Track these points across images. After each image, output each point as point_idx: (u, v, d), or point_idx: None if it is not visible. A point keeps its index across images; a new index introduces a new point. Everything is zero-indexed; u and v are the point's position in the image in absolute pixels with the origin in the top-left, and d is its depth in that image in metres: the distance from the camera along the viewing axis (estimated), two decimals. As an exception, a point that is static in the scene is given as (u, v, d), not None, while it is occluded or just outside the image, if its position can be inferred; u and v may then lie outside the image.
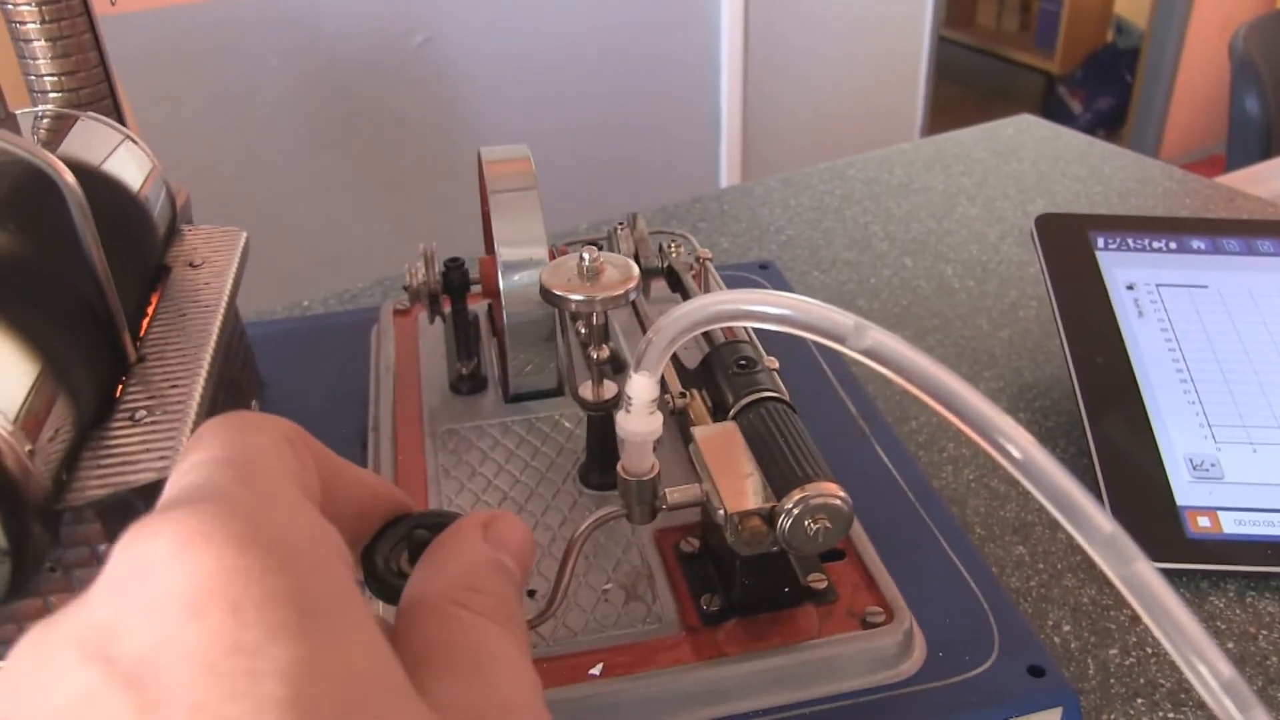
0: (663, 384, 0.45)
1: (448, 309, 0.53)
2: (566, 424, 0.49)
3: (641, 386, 0.34)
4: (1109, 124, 3.15)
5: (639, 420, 0.35)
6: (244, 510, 0.20)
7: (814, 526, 0.35)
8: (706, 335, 0.47)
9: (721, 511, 0.36)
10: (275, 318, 0.65)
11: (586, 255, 0.40)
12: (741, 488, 0.36)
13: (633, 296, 0.40)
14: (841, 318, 0.30)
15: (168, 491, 0.22)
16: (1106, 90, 3.15)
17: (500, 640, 0.24)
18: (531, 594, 0.40)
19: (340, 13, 1.83)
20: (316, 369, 0.58)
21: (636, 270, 0.40)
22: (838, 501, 0.35)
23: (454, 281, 0.52)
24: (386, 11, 1.87)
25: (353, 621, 0.20)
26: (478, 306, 0.56)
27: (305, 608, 0.19)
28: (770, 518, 0.35)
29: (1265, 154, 1.44)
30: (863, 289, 0.70)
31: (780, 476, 0.36)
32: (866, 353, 0.30)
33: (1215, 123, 2.75)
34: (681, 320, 0.32)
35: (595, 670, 0.37)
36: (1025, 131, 0.97)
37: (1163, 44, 2.86)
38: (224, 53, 1.75)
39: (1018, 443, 0.27)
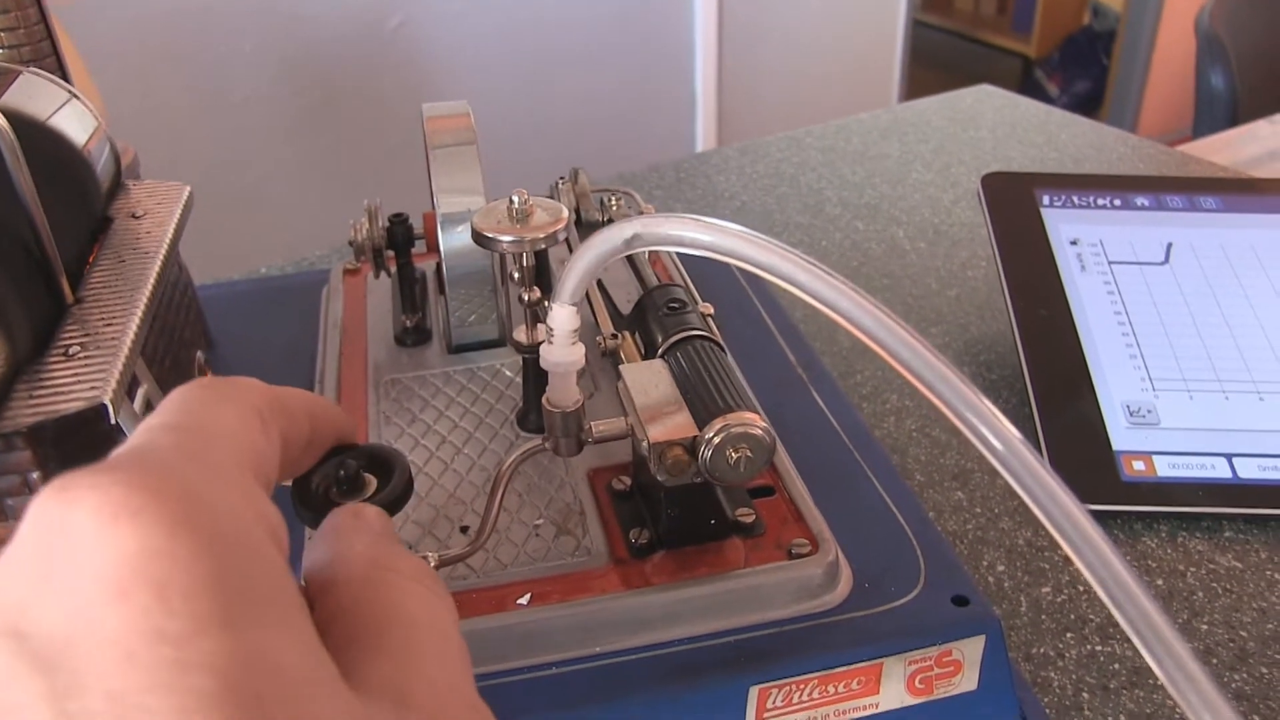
0: (596, 326, 0.46)
1: (394, 267, 0.54)
2: (508, 372, 0.49)
3: (561, 317, 0.35)
4: (1086, 106, 3.16)
5: (561, 350, 0.35)
6: (181, 487, 0.19)
7: (735, 455, 0.36)
8: (640, 279, 0.47)
9: (645, 442, 0.36)
10: (227, 281, 0.65)
11: (516, 198, 0.41)
12: (665, 420, 0.37)
13: (562, 237, 0.40)
14: (756, 243, 0.30)
15: (115, 451, 0.20)
16: (1083, 73, 3.16)
17: (428, 605, 0.24)
18: (464, 530, 0.41)
19: (315, -2, 1.83)
20: (267, 329, 0.59)
21: (565, 211, 0.41)
22: (758, 430, 0.36)
23: (398, 236, 0.52)
24: (362, -5, 1.88)
25: (283, 613, 0.19)
26: (426, 265, 0.57)
27: (235, 599, 0.18)
28: (692, 448, 0.36)
29: (1231, 128, 1.45)
30: (813, 250, 0.71)
31: (703, 407, 0.37)
32: (778, 274, 0.31)
33: (1191, 104, 2.77)
34: (597, 246, 0.32)
35: (523, 600, 0.37)
36: (984, 101, 0.97)
37: (1139, 26, 2.87)
38: (198, 37, 1.75)
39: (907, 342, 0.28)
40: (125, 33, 1.68)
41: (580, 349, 0.36)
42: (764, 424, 0.36)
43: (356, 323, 0.54)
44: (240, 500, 0.20)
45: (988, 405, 0.28)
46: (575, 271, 0.33)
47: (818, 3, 2.38)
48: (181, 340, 0.46)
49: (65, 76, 0.50)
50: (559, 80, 2.11)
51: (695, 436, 0.36)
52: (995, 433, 0.28)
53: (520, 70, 2.07)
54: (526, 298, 0.42)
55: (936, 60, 3.53)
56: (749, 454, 0.36)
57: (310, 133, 1.90)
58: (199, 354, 0.49)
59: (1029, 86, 3.28)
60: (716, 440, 0.36)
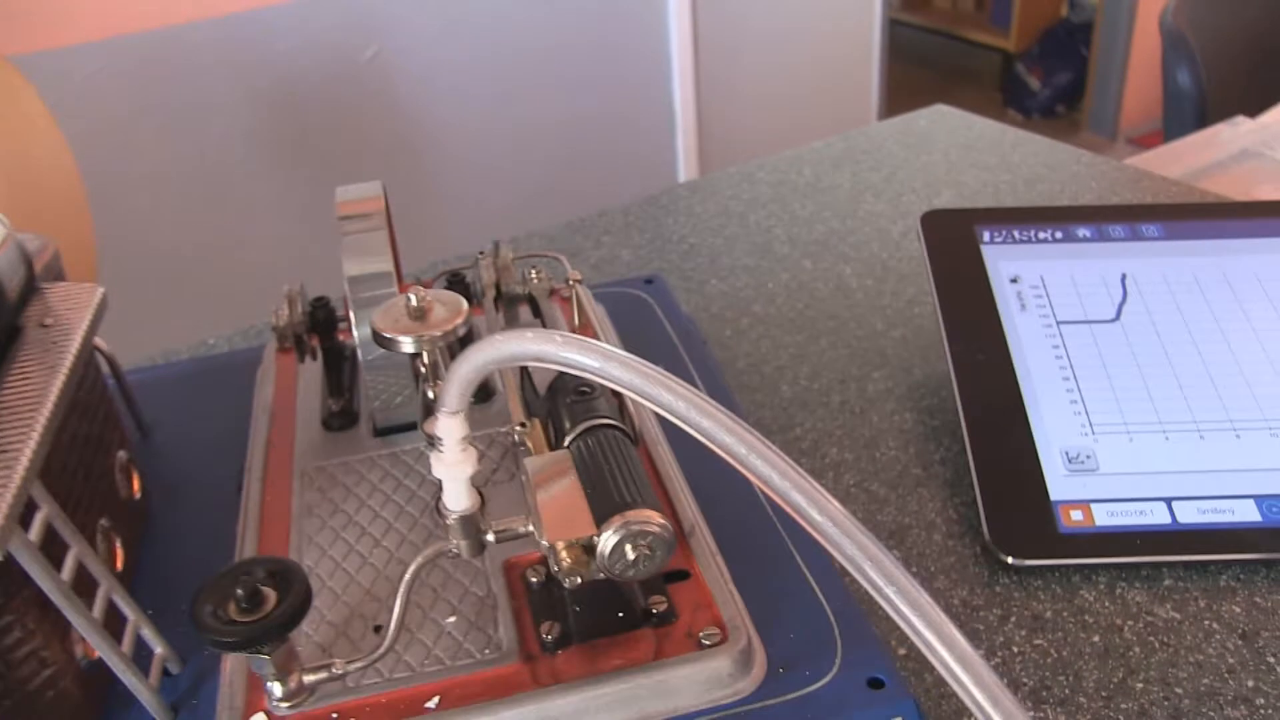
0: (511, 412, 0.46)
1: (319, 348, 0.53)
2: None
3: (448, 427, 0.35)
4: (1068, 98, 3.15)
5: (451, 458, 0.35)
6: None
7: (634, 554, 0.36)
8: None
9: (543, 542, 0.36)
10: (165, 362, 0.65)
11: (413, 296, 0.40)
12: (564, 517, 0.37)
13: (461, 333, 0.40)
14: (629, 368, 0.30)
15: None
16: (1064, 65, 3.16)
17: None
18: (378, 629, 0.40)
19: (289, 33, 1.83)
20: (204, 411, 0.59)
21: (465, 306, 0.41)
22: (657, 528, 0.36)
23: (320, 319, 0.52)
24: (335, 28, 1.88)
25: None
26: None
27: None
28: (590, 546, 0.36)
29: (1200, 125, 1.44)
30: (759, 294, 0.71)
31: (601, 504, 0.36)
32: (645, 396, 0.30)
33: (1173, 92, 2.75)
34: (472, 360, 0.32)
35: (431, 704, 0.37)
36: (938, 122, 0.97)
37: (1115, 17, 2.87)
38: (174, 78, 1.75)
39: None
40: (93, 82, 1.68)
41: (472, 455, 0.35)
42: (662, 521, 0.36)
43: (286, 406, 0.54)
44: None
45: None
46: (456, 380, 0.33)
47: (793, 10, 2.38)
48: (99, 446, 0.46)
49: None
50: (536, 107, 2.11)
51: (593, 534, 0.36)
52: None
53: (496, 97, 2.07)
54: (431, 394, 0.42)
55: (917, 58, 3.53)
56: (647, 550, 0.36)
57: (289, 168, 1.90)
58: (120, 454, 0.49)
59: (1011, 81, 3.28)
60: (614, 539, 0.35)
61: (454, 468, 0.35)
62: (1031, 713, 0.43)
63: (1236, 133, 1.13)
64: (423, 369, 0.43)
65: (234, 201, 1.86)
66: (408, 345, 0.40)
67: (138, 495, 0.50)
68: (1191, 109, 1.43)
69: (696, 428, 0.29)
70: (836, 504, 0.28)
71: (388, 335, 0.40)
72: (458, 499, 0.36)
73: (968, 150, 0.91)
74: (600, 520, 0.36)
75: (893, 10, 2.97)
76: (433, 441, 0.43)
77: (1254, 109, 1.19)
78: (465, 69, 2.02)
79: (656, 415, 0.49)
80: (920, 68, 3.54)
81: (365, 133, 1.97)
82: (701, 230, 0.80)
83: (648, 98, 2.27)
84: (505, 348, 0.31)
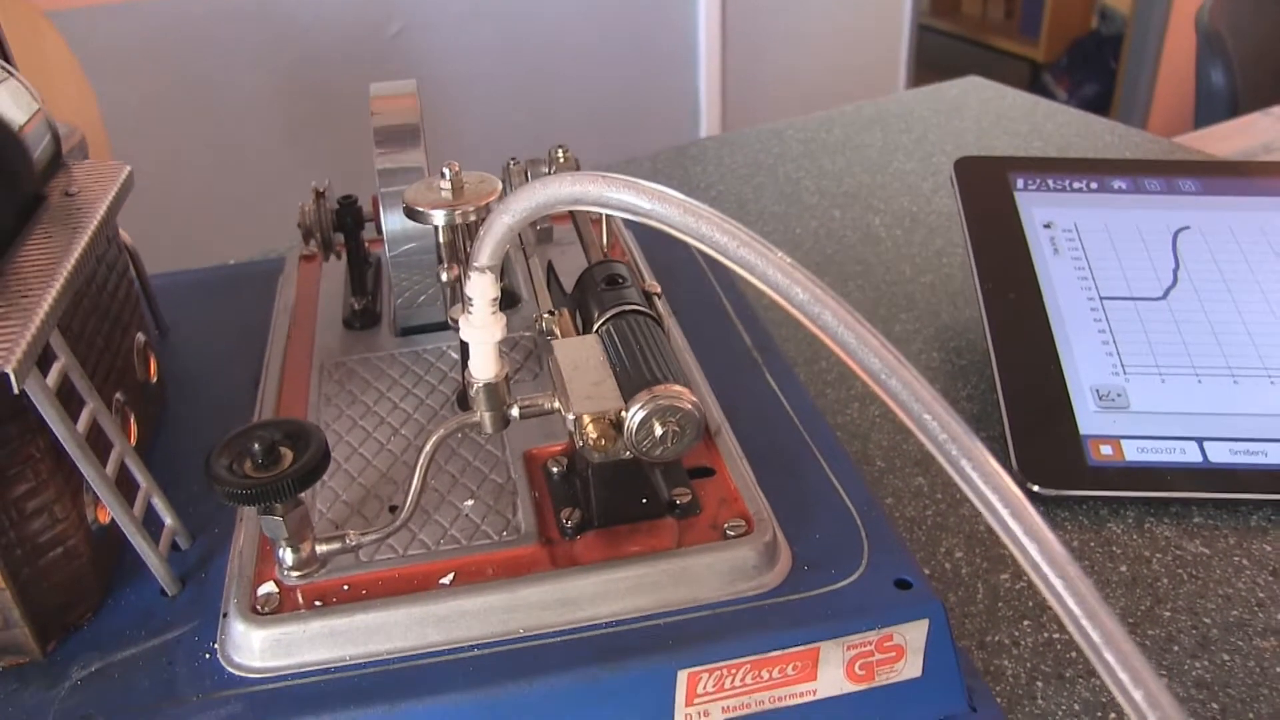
0: (537, 305, 0.45)
1: (343, 250, 0.53)
2: (453, 354, 0.48)
3: (479, 285, 0.34)
4: (1094, 110, 3.13)
5: (480, 321, 0.34)
6: None
7: (662, 430, 0.35)
8: (586, 258, 0.46)
9: (570, 417, 0.35)
10: (187, 270, 0.64)
11: (446, 171, 0.40)
12: (593, 392, 0.36)
13: (495, 208, 0.39)
14: (678, 206, 0.29)
15: None
16: (1091, 77, 3.14)
17: None
18: (393, 509, 0.40)
19: (314, 4, 1.83)
20: (222, 316, 0.58)
21: (499, 185, 0.40)
22: (687, 405, 0.35)
23: (347, 219, 0.52)
24: (360, 2, 1.87)
25: None
26: (381, 250, 0.56)
27: None
28: (618, 422, 0.35)
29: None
30: (786, 239, 0.70)
31: (630, 381, 0.36)
32: (702, 239, 0.29)
33: (1199, 106, 2.74)
34: (510, 208, 0.31)
35: (446, 579, 0.36)
36: (970, 92, 0.96)
37: (1145, 30, 2.85)
38: (197, 45, 1.75)
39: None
40: (125, 42, 1.68)
41: (501, 319, 0.34)
42: (692, 399, 0.35)
43: (307, 307, 0.53)
44: None
45: (914, 374, 0.27)
46: (492, 234, 0.32)
47: (821, 16, 2.37)
48: (118, 322, 0.46)
49: (7, 57, 0.50)
50: (559, 82, 2.11)
51: (621, 410, 0.35)
52: (922, 403, 0.27)
53: (520, 73, 2.06)
54: (454, 274, 0.41)
55: (944, 65, 3.51)
56: (676, 428, 0.35)
57: (309, 139, 1.90)
58: (139, 336, 0.48)
59: (1037, 90, 3.26)
60: (642, 414, 0.35)
61: (482, 330, 0.34)
62: (1063, 635, 0.42)
63: (1271, 122, 1.12)
64: (450, 254, 0.42)
65: (252, 168, 1.86)
66: (439, 218, 0.39)
67: (154, 379, 0.49)
68: (1223, 108, 1.42)
69: (748, 266, 0.28)
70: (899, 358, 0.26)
71: (421, 209, 0.39)
72: (484, 366, 0.35)
73: (999, 119, 0.90)
74: (629, 397, 0.35)
75: (921, 16, 2.96)
76: (456, 324, 0.42)
77: (1286, 108, 1.18)
78: (487, 47, 2.01)
79: (680, 324, 0.48)
80: (946, 75, 3.53)
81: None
82: (729, 179, 0.79)
83: (672, 99, 2.26)
84: (544, 192, 0.30)
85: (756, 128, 0.89)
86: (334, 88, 1.91)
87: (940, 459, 0.25)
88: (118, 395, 0.43)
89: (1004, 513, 0.26)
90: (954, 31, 3.62)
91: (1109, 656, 0.24)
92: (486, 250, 0.33)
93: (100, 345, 0.43)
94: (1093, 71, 3.14)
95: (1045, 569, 0.24)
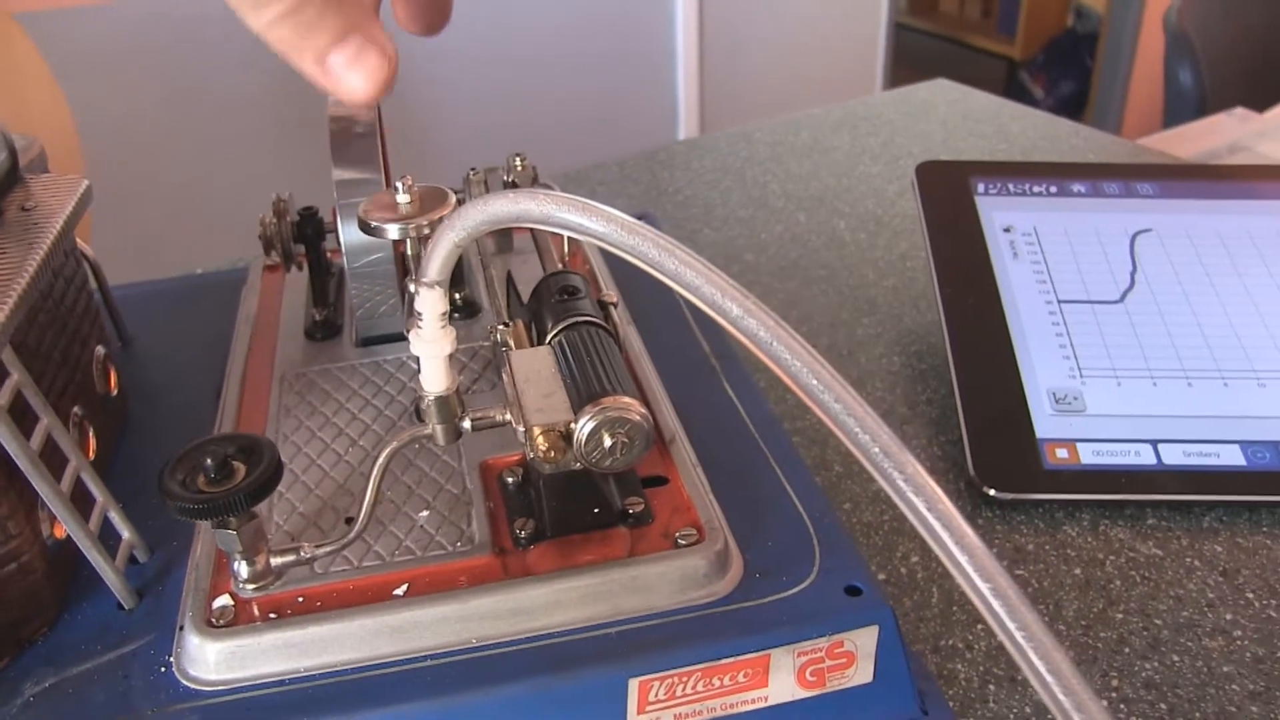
0: (495, 315, 0.45)
1: (305, 261, 0.53)
2: (413, 365, 0.48)
3: (428, 300, 0.34)
4: (1071, 108, 3.16)
5: (430, 335, 0.35)
6: None
7: (611, 441, 0.35)
8: (542, 268, 0.47)
9: (520, 428, 0.36)
10: (150, 281, 0.64)
11: (400, 184, 0.40)
12: (544, 404, 0.36)
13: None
14: (604, 220, 0.30)
15: None
16: (1068, 75, 3.16)
17: None
18: (349, 521, 0.40)
19: None
20: (186, 326, 0.58)
21: (453, 198, 0.40)
22: (635, 416, 0.35)
23: (308, 230, 0.52)
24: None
25: None
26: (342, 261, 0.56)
27: None
28: (568, 433, 0.35)
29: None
30: (752, 243, 0.70)
31: (579, 393, 0.36)
32: (626, 249, 0.30)
33: (1174, 104, 2.76)
34: (455, 225, 0.32)
35: (400, 590, 0.37)
36: (938, 94, 0.97)
37: (1121, 28, 2.87)
38: (173, 49, 1.74)
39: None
40: (98, 45, 1.67)
41: (451, 333, 0.35)
42: (641, 411, 0.35)
43: (269, 317, 0.54)
44: None
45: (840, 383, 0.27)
46: (439, 250, 0.33)
47: (798, 5, 2.38)
48: (76, 336, 0.46)
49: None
50: (537, 84, 2.11)
51: (570, 422, 0.35)
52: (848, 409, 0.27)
53: (500, 73, 2.06)
54: (413, 287, 0.41)
55: (921, 63, 3.53)
56: (625, 440, 0.35)
57: (297, 142, 1.90)
58: (99, 349, 0.48)
59: (1014, 88, 3.28)
60: (591, 425, 0.35)
61: (432, 344, 0.35)
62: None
63: (1234, 123, 1.13)
64: (409, 265, 0.42)
65: (229, 174, 1.85)
66: (394, 232, 0.40)
67: (114, 392, 0.49)
68: (1192, 109, 1.43)
69: (686, 284, 0.28)
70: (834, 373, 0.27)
71: (374, 223, 0.40)
72: (435, 379, 0.35)
73: (965, 120, 0.91)
74: (578, 408, 0.35)
75: (899, 15, 2.97)
76: (407, 332, 0.42)
77: (1255, 109, 1.19)
78: (467, 45, 2.01)
79: (640, 332, 0.49)
80: (923, 73, 3.55)
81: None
82: (697, 184, 0.79)
83: (651, 100, 2.26)
84: (487, 210, 0.31)
85: (726, 131, 0.89)
86: (311, 92, 1.90)
87: (866, 462, 0.26)
88: (75, 409, 0.44)
89: (936, 526, 0.26)
90: (932, 30, 3.63)
91: (1035, 661, 0.24)
92: (434, 266, 0.33)
93: (57, 359, 0.43)
94: (1069, 69, 3.17)
95: (970, 573, 0.25)
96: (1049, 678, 0.25)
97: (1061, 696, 0.25)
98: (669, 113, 2.29)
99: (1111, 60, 2.92)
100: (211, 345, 0.55)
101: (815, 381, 0.27)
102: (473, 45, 2.01)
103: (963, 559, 0.25)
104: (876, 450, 0.26)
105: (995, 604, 0.25)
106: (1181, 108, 1.45)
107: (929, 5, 3.67)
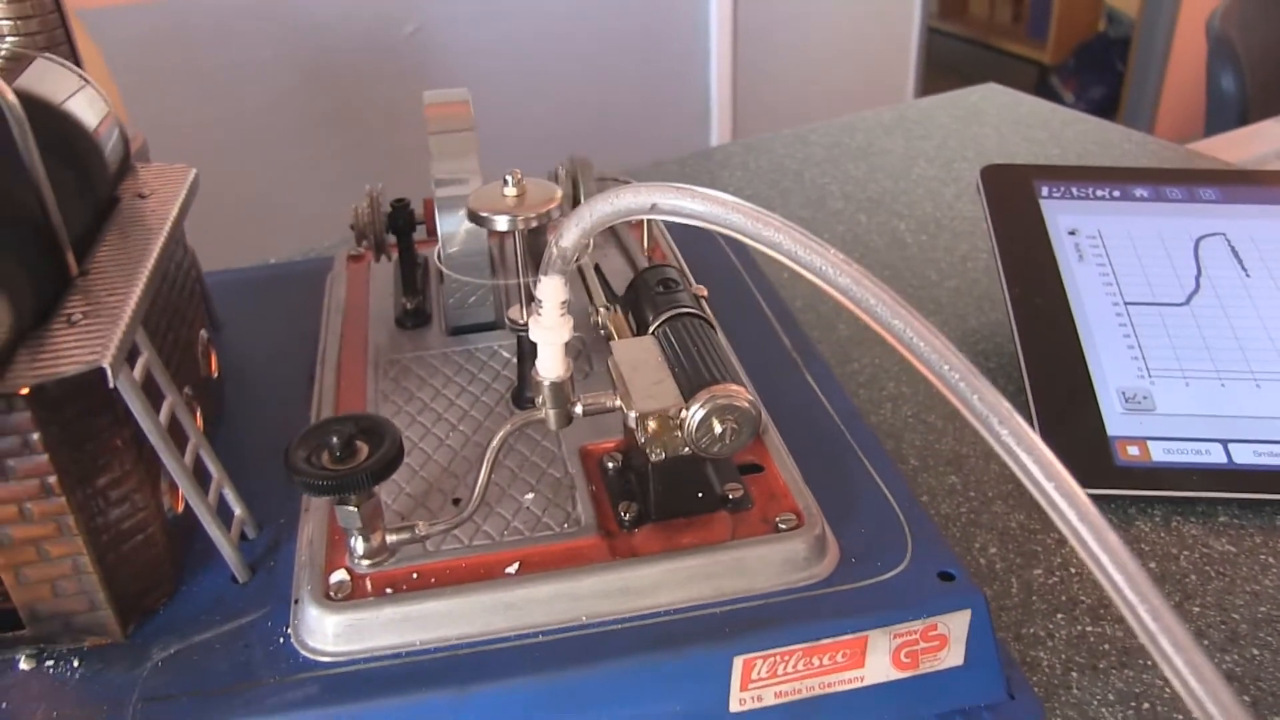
0: (591, 305, 0.47)
1: (395, 251, 0.54)
2: (504, 353, 0.50)
3: (550, 288, 0.35)
4: (1101, 113, 3.14)
5: (549, 322, 0.36)
6: None
7: (721, 428, 0.37)
8: (633, 265, 0.48)
9: (632, 414, 0.37)
10: (237, 269, 0.66)
11: (509, 178, 0.41)
12: (653, 391, 0.37)
13: (556, 215, 0.41)
14: (738, 210, 0.31)
15: None
16: (1098, 80, 3.16)
17: None
18: (456, 502, 0.41)
19: (332, 3, 1.84)
20: (274, 313, 0.60)
21: (559, 191, 0.42)
22: (744, 403, 0.37)
23: (399, 221, 0.53)
24: (377, 1, 1.89)
25: None
26: (430, 252, 0.58)
27: None
28: (678, 420, 0.37)
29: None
30: (815, 242, 0.71)
31: (689, 381, 0.37)
32: (764, 242, 0.31)
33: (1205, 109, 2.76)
34: (579, 219, 0.33)
35: (511, 569, 0.38)
36: (989, 99, 0.98)
37: (1153, 33, 2.86)
38: (216, 44, 1.76)
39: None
40: (147, 41, 1.70)
41: (569, 321, 0.36)
42: (750, 397, 0.37)
43: (358, 306, 0.55)
44: None
45: (985, 383, 0.28)
46: (561, 246, 0.34)
47: (831, 9, 2.38)
48: (184, 319, 0.47)
49: (78, 63, 0.51)
50: (573, 84, 2.12)
51: (681, 408, 0.37)
52: (990, 406, 0.28)
53: (534, 74, 2.08)
54: (521, 279, 0.43)
55: (952, 67, 3.53)
56: (734, 426, 0.37)
57: (325, 137, 1.92)
58: (203, 332, 0.50)
59: (1044, 93, 3.28)
60: (702, 412, 0.36)
61: (551, 331, 0.36)
62: (1096, 627, 0.44)
63: (1278, 129, 1.13)
64: (515, 254, 0.44)
65: (270, 163, 1.87)
66: (502, 224, 0.41)
67: (215, 375, 0.50)
68: (1234, 113, 1.43)
69: (826, 278, 0.30)
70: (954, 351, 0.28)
71: (485, 214, 0.41)
72: (552, 365, 0.37)
73: (1018, 125, 0.92)
74: (688, 396, 0.37)
75: (929, 19, 2.98)
76: (514, 326, 0.44)
77: (1297, 115, 1.20)
78: (502, 48, 2.03)
79: (725, 332, 0.50)
80: (954, 77, 3.54)
81: (401, 106, 1.98)
82: (756, 183, 0.81)
83: (685, 87, 2.27)
84: (619, 202, 0.32)
85: (779, 133, 0.91)
86: (350, 86, 1.92)
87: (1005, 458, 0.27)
88: (186, 389, 0.45)
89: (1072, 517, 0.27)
90: (962, 34, 3.63)
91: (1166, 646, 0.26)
92: (558, 259, 0.34)
93: (171, 341, 0.45)
94: (1100, 74, 3.16)
95: (1108, 566, 0.26)
96: (1178, 660, 0.26)
97: (1194, 685, 0.25)
98: (702, 107, 2.30)
99: (1143, 66, 2.91)
100: (299, 331, 0.56)
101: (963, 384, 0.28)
102: (509, 41, 2.02)
103: (1095, 546, 0.27)
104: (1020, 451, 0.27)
105: (1139, 609, 0.26)
106: (1224, 112, 1.46)
107: (959, 9, 3.67)
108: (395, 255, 0.54)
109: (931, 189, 0.80)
